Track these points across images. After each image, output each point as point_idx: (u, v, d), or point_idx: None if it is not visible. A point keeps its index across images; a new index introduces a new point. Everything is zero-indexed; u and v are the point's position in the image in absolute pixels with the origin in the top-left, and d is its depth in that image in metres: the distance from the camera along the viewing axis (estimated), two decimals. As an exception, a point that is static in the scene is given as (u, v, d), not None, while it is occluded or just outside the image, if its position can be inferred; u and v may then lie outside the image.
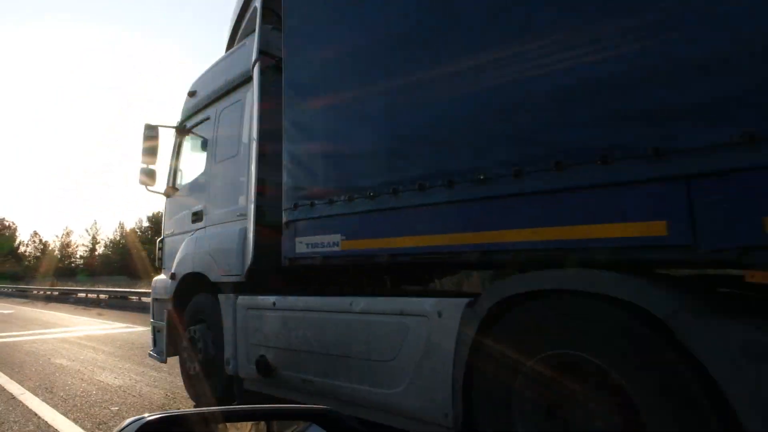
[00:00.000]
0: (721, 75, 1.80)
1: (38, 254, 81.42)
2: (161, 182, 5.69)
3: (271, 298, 3.73)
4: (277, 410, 1.56)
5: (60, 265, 71.50)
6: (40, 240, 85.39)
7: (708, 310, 1.87)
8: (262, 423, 1.37)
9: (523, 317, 2.32)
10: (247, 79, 4.49)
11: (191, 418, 1.20)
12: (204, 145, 5.16)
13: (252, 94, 4.27)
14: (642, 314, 1.89)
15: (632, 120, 2.04)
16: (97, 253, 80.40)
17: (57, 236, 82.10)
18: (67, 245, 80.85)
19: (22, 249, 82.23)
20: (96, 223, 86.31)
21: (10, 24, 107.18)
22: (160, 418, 1.07)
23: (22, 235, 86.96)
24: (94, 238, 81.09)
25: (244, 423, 1.37)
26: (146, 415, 1.07)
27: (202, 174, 5.07)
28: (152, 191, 5.56)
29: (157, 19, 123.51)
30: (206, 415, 1.23)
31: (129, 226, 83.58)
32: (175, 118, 5.75)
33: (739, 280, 2.00)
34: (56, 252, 79.50)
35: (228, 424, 1.33)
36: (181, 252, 4.94)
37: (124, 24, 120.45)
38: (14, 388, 5.79)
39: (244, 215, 4.20)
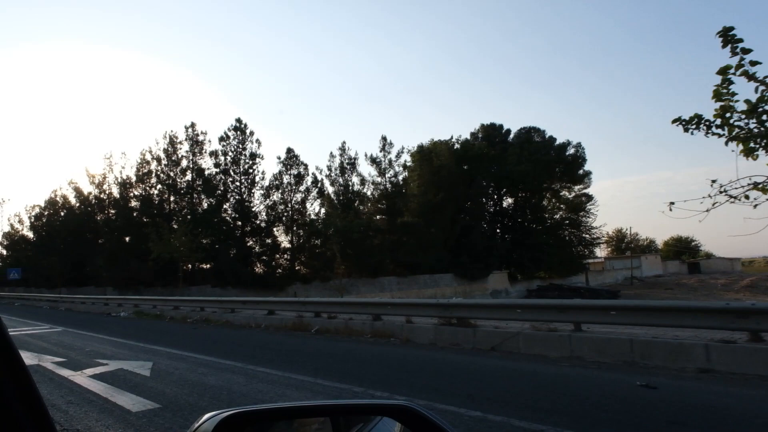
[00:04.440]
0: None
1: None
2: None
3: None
4: (353, 405, 1.53)
5: None
6: None
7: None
8: (327, 420, 1.34)
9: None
10: None
11: (267, 413, 1.20)
12: None
13: None
14: None
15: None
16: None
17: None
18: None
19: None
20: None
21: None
22: (236, 413, 1.05)
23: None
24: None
25: (312, 419, 1.34)
26: (223, 410, 1.05)
27: None
28: None
29: (157, 28, 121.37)
30: (282, 410, 1.24)
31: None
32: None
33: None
34: None
35: (302, 420, 1.32)
36: None
37: (124, 30, 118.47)
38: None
39: None
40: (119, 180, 41.85)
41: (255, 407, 1.17)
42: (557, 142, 53.40)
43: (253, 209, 36.79)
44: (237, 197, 36.88)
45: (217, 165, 37.30)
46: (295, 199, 37.31)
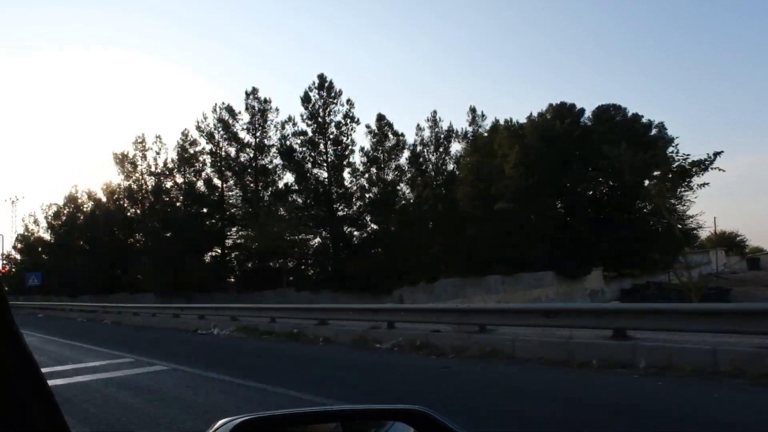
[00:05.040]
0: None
1: None
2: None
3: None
4: (366, 410, 1.48)
5: None
6: None
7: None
8: (337, 424, 1.34)
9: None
10: None
11: (279, 419, 1.19)
12: None
13: None
14: None
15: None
16: None
17: None
18: None
19: None
20: None
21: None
22: (249, 419, 1.07)
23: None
24: None
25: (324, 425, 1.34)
26: (236, 416, 1.06)
27: None
28: None
29: (158, 31, 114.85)
30: (294, 416, 1.24)
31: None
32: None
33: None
34: None
35: (317, 425, 1.31)
36: None
37: (124, 33, 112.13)
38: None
39: None
40: (152, 168, 35.05)
41: (267, 413, 1.15)
42: (641, 121, 47.05)
43: (349, 190, 29.21)
44: (325, 174, 29.40)
45: (299, 134, 29.75)
46: (386, 178, 29.66)
